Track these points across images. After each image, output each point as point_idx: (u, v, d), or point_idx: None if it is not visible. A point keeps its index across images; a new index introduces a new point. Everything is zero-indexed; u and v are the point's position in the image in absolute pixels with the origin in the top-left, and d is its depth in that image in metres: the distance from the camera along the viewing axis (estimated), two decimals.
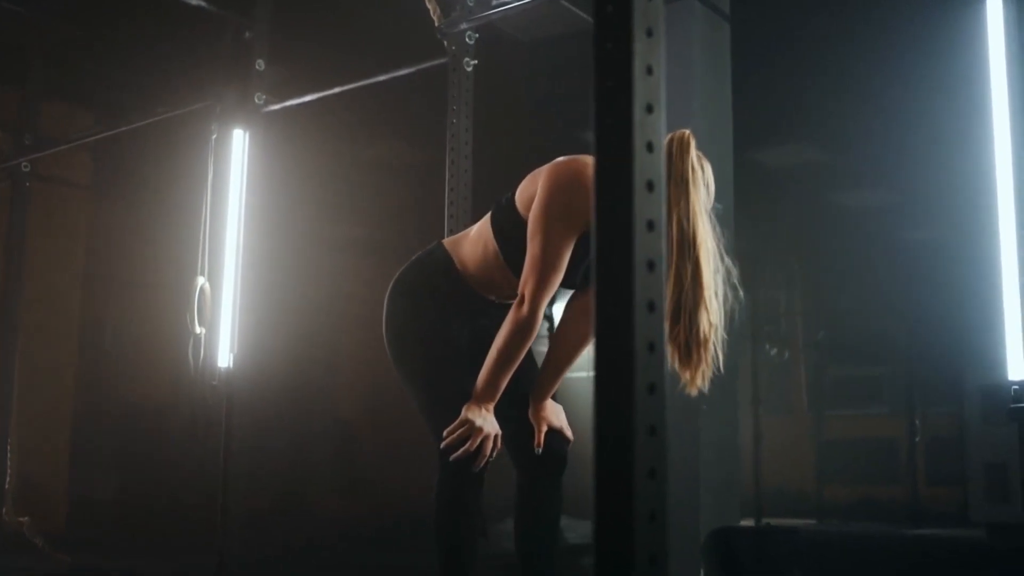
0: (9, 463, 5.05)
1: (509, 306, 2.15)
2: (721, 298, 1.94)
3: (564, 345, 2.32)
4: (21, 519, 4.81)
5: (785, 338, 8.74)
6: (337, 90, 4.06)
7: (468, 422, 2.12)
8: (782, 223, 7.61)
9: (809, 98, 6.04)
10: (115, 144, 5.51)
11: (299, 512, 6.65)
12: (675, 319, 1.87)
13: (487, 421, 2.14)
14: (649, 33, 1.13)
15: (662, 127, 1.13)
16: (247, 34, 4.25)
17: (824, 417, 8.23)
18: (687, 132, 1.97)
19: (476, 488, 2.18)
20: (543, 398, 2.33)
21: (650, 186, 1.11)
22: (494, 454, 2.16)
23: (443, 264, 2.30)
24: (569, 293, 2.35)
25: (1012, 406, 2.71)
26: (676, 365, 1.89)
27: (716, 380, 1.96)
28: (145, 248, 6.23)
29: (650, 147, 1.11)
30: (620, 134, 1.11)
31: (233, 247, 4.20)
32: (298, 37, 4.93)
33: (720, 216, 2.01)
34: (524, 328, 2.09)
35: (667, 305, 1.80)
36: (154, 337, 5.77)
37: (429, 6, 3.49)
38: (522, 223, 2.16)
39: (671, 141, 1.95)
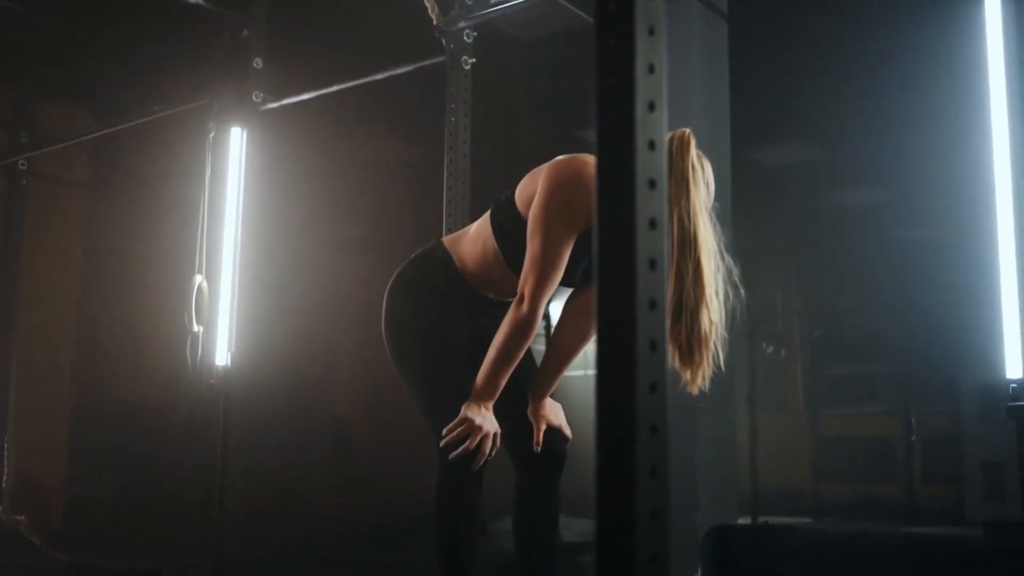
0: (6, 462, 5.05)
1: (508, 304, 2.15)
2: (722, 297, 1.94)
3: (563, 343, 2.32)
4: (18, 518, 4.80)
5: (782, 337, 8.76)
6: (335, 88, 4.05)
7: (467, 420, 2.12)
8: (779, 222, 7.62)
9: (807, 97, 6.04)
10: (113, 142, 5.50)
11: (297, 510, 6.64)
12: (676, 318, 1.87)
13: (486, 419, 2.14)
14: (651, 31, 1.13)
15: (664, 125, 1.13)
16: (245, 32, 4.25)
17: (821, 416, 8.24)
18: (687, 131, 1.97)
19: (476, 487, 2.18)
20: (542, 396, 2.33)
21: (652, 184, 1.11)
22: (493, 453, 2.16)
23: (442, 262, 2.30)
24: (567, 291, 2.35)
25: (1010, 404, 2.71)
26: (677, 364, 1.89)
27: (714, 379, 1.96)
28: (143, 246, 6.23)
29: (652, 145, 1.11)
30: (622, 132, 1.11)
31: (231, 245, 4.20)
32: (296, 35, 4.92)
33: (718, 215, 2.01)
34: (524, 327, 2.09)
35: (668, 304, 1.80)
36: (152, 336, 5.76)
37: (427, 4, 3.48)
38: (522, 221, 2.15)
39: (671, 140, 1.95)
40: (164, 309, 4.98)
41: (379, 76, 3.89)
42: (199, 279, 4.09)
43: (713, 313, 1.91)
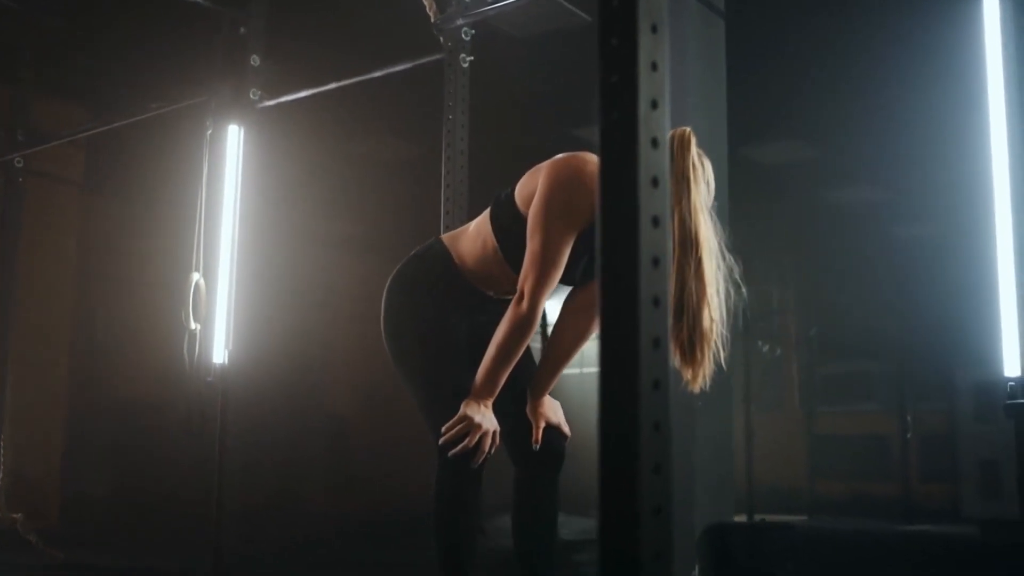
0: (2, 460, 5.04)
1: (508, 302, 2.16)
2: (723, 295, 1.94)
3: (562, 341, 2.32)
4: (15, 516, 4.79)
5: (778, 335, 8.77)
6: (332, 86, 4.04)
7: (467, 418, 2.12)
8: (776, 220, 7.63)
9: (804, 95, 6.05)
10: (109, 140, 5.49)
11: (295, 508, 6.65)
12: (677, 317, 1.88)
13: (486, 417, 2.14)
14: (654, 29, 1.13)
15: (666, 123, 1.13)
16: (242, 30, 4.23)
17: (817, 414, 8.26)
18: (688, 130, 1.97)
19: (475, 485, 2.18)
20: (541, 394, 2.33)
21: (655, 182, 1.11)
22: (492, 450, 2.17)
23: (441, 259, 2.30)
24: (566, 289, 2.35)
25: (1008, 402, 2.72)
26: (678, 363, 1.90)
27: (712, 377, 1.96)
28: (139, 244, 6.22)
29: (655, 143, 1.12)
30: (625, 130, 1.11)
31: (228, 243, 4.19)
32: (293, 33, 4.92)
33: (715, 213, 2.01)
34: (523, 324, 2.10)
35: (670, 302, 1.80)
36: (149, 333, 5.76)
37: (425, 2, 3.48)
38: (521, 219, 2.16)
39: (672, 138, 1.95)
40: (161, 307, 4.98)
41: (377, 74, 3.88)
42: (196, 277, 4.08)
43: (714, 312, 1.91)
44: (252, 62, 4.21)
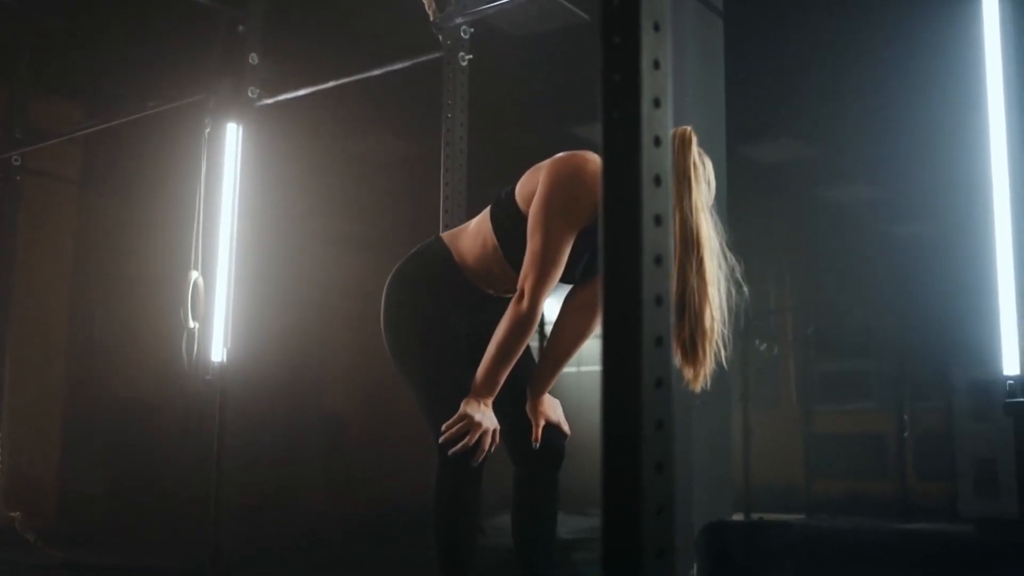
0: (1, 458, 5.03)
1: (508, 300, 2.16)
2: (724, 294, 1.95)
3: (562, 340, 2.32)
4: (13, 514, 4.78)
5: (775, 333, 8.77)
6: (331, 84, 4.04)
7: (467, 417, 2.12)
8: (773, 218, 7.63)
9: (802, 94, 6.05)
10: (107, 138, 5.49)
11: (293, 506, 6.65)
12: (679, 316, 1.88)
13: (486, 416, 2.14)
14: (656, 27, 1.13)
15: (669, 122, 1.13)
16: (240, 28, 4.23)
17: (814, 412, 8.26)
18: (688, 129, 1.97)
19: (475, 484, 2.18)
20: (541, 393, 2.33)
21: (657, 180, 1.11)
22: (492, 449, 2.17)
23: (441, 257, 2.30)
24: (566, 288, 2.35)
25: (1007, 401, 2.72)
26: (679, 362, 1.90)
27: (712, 376, 1.96)
28: (137, 242, 6.22)
29: (657, 141, 1.11)
30: (627, 129, 1.11)
31: (227, 241, 4.18)
32: (292, 31, 4.92)
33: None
34: (524, 323, 2.10)
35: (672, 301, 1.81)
36: (147, 331, 5.76)
37: (424, 0, 3.48)
38: (522, 218, 2.16)
39: (672, 138, 1.95)
40: (160, 305, 4.98)
41: (375, 72, 3.88)
42: (195, 275, 4.08)
43: (716, 311, 1.91)
44: (251, 60, 4.20)
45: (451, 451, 2.12)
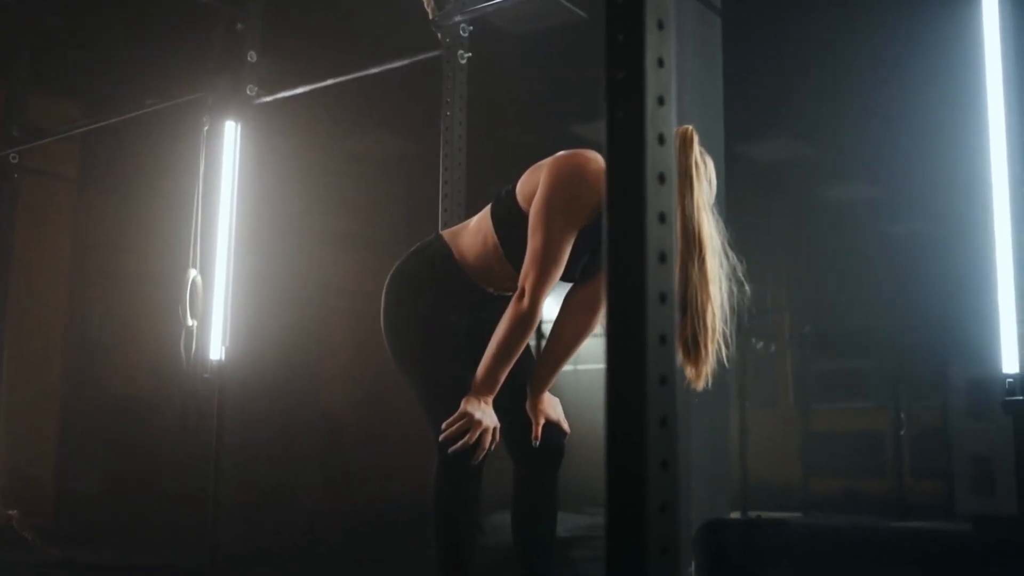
0: None
1: (508, 298, 2.16)
2: (726, 293, 1.95)
3: (562, 338, 2.32)
4: (10, 512, 4.78)
5: (773, 332, 8.78)
6: (329, 82, 4.04)
7: (467, 415, 2.12)
8: (771, 217, 7.63)
9: (801, 93, 6.05)
10: (105, 136, 5.47)
11: (291, 504, 6.64)
12: (681, 314, 1.88)
13: (486, 414, 2.14)
14: (660, 25, 1.13)
15: (673, 120, 1.13)
16: (239, 25, 4.23)
17: (811, 411, 8.27)
18: (690, 128, 1.97)
19: (475, 483, 2.18)
20: (541, 391, 2.33)
21: (661, 178, 1.11)
22: (492, 447, 2.17)
23: (442, 255, 2.30)
24: (566, 287, 2.35)
25: (1006, 399, 2.72)
26: (681, 360, 1.90)
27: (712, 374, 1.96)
28: (136, 240, 6.21)
29: (661, 139, 1.12)
30: (631, 127, 1.11)
31: (225, 239, 4.19)
32: (291, 29, 4.91)
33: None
34: (524, 321, 2.10)
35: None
36: (145, 329, 5.76)
37: None
38: (522, 216, 2.16)
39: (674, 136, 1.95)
40: (158, 303, 4.98)
41: (374, 70, 3.88)
42: (193, 273, 4.08)
43: (717, 309, 1.92)
44: (249, 58, 4.20)
45: (451, 449, 2.12)
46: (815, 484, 7.96)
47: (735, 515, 5.81)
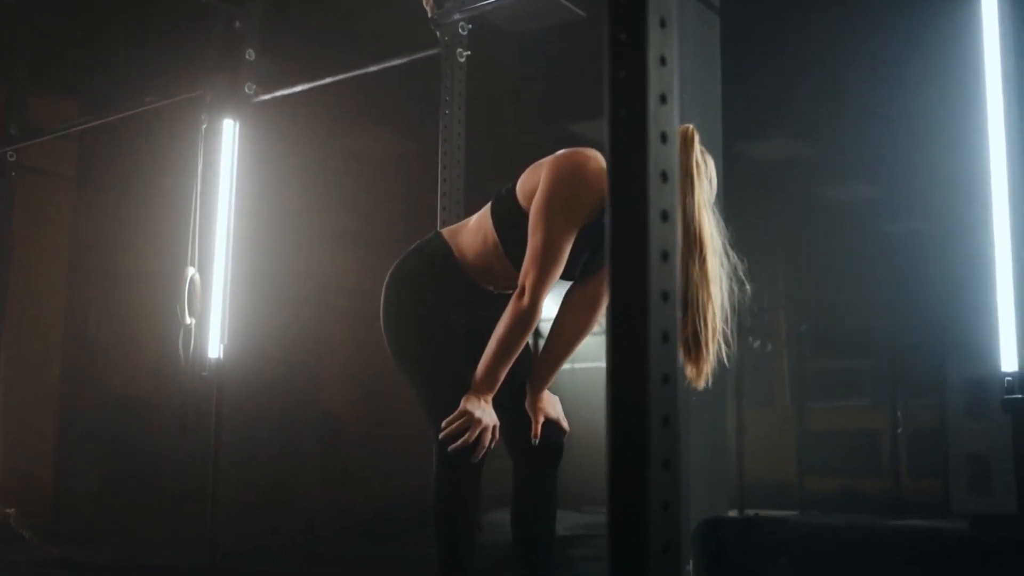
0: None
1: (508, 297, 2.16)
2: (726, 292, 1.95)
3: (562, 336, 2.33)
4: (8, 511, 4.78)
5: (770, 331, 8.78)
6: (328, 80, 4.04)
7: (467, 413, 2.12)
8: (768, 216, 7.63)
9: (799, 92, 6.05)
10: (104, 134, 5.47)
11: (290, 503, 6.64)
12: (682, 313, 1.88)
13: (486, 412, 2.14)
14: (662, 23, 1.13)
15: (675, 118, 1.13)
16: (237, 24, 4.23)
17: (808, 409, 8.27)
18: (691, 127, 1.98)
19: (474, 481, 2.18)
20: (540, 389, 2.33)
21: (664, 177, 1.11)
22: (492, 445, 2.17)
23: (441, 253, 2.30)
24: (565, 285, 2.35)
25: (1005, 397, 2.73)
26: (682, 360, 1.90)
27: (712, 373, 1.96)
28: (134, 239, 6.20)
29: (664, 138, 1.12)
30: (634, 125, 1.11)
31: (223, 238, 4.18)
32: (289, 27, 4.91)
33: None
34: (524, 320, 2.10)
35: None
36: (144, 328, 5.75)
37: None
38: (522, 214, 2.16)
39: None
40: (156, 301, 4.97)
41: (372, 68, 3.87)
42: (191, 271, 4.07)
43: (718, 309, 1.92)
44: (248, 56, 4.20)
45: (451, 447, 2.12)
46: (812, 482, 7.96)
47: (733, 513, 5.82)
